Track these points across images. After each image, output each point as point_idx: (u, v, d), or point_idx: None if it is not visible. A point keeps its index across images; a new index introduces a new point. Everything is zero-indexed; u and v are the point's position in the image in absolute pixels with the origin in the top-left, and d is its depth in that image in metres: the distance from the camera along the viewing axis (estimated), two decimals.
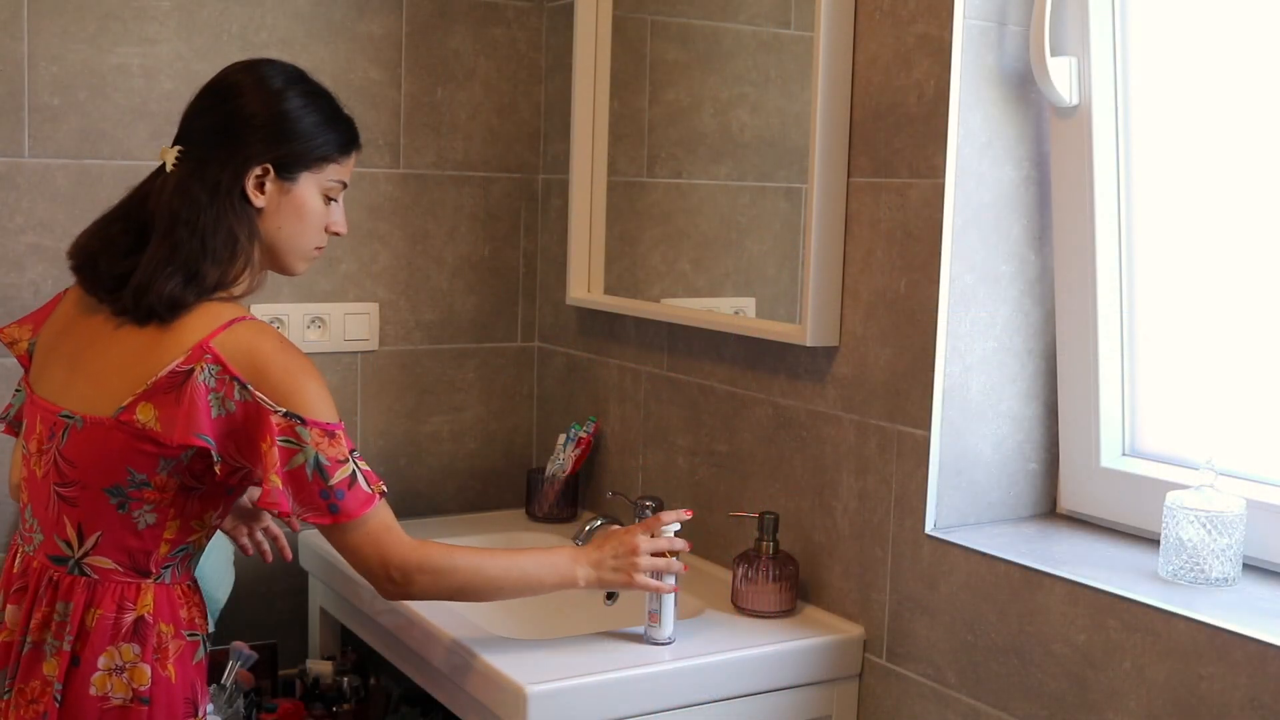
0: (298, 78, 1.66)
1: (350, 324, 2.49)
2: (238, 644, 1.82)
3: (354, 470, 1.57)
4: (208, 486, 1.60)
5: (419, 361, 2.58)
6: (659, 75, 2.37)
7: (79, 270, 1.64)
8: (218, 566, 2.24)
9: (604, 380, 2.48)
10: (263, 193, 1.61)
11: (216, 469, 1.55)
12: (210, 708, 1.93)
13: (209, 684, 1.96)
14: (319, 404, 1.55)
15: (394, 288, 2.53)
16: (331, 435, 1.55)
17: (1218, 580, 1.59)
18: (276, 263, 1.67)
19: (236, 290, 1.63)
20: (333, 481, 1.55)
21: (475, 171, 2.58)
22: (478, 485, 2.66)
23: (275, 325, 2.41)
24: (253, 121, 1.60)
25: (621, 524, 2.22)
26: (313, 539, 2.33)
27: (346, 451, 1.57)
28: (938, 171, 1.77)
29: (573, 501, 2.50)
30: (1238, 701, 1.43)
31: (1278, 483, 1.65)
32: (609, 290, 2.45)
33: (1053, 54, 1.75)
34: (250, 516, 1.98)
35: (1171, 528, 1.62)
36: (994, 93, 1.79)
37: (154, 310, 1.56)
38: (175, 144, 1.63)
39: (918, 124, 1.80)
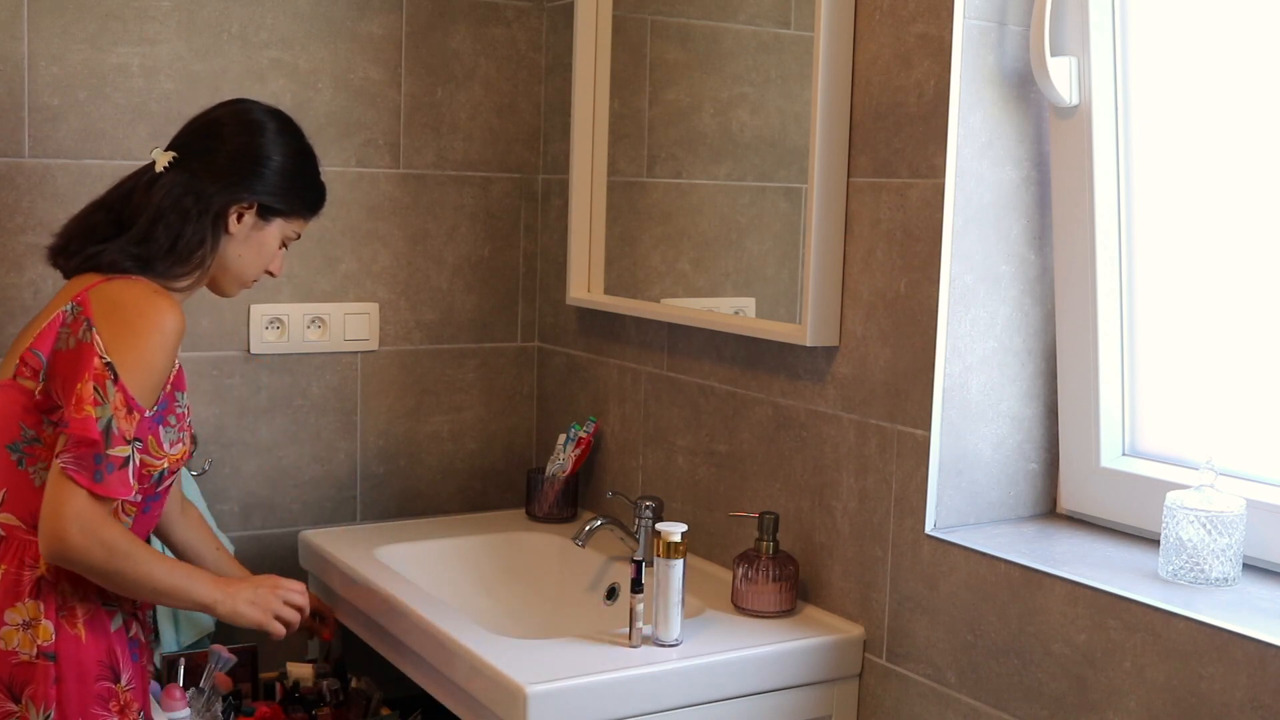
0: (303, 136, 1.82)
1: (350, 324, 2.49)
2: (216, 647, 1.81)
3: (130, 456, 1.61)
4: None
5: (419, 361, 2.57)
6: (659, 75, 2.37)
7: (54, 249, 1.75)
8: None
9: (604, 380, 2.48)
10: (239, 223, 1.75)
11: (36, 392, 1.62)
12: (187, 712, 1.92)
13: (187, 688, 1.96)
14: (140, 374, 1.61)
15: (394, 288, 2.53)
16: (130, 411, 1.60)
17: (1218, 580, 1.59)
18: (217, 282, 1.79)
19: (178, 285, 1.73)
20: (110, 452, 1.59)
21: (475, 171, 2.58)
22: (478, 485, 2.66)
23: (274, 326, 2.41)
24: (269, 164, 1.74)
25: (621, 524, 2.23)
26: (313, 540, 2.33)
27: (134, 433, 1.61)
28: (938, 171, 1.77)
29: (573, 501, 2.50)
30: (1238, 701, 1.43)
31: (1278, 483, 1.65)
32: (609, 290, 2.45)
33: (1053, 54, 1.75)
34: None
35: (1171, 528, 1.62)
36: (994, 93, 1.79)
37: (94, 267, 1.68)
38: (170, 148, 1.68)
39: (918, 124, 1.80)
